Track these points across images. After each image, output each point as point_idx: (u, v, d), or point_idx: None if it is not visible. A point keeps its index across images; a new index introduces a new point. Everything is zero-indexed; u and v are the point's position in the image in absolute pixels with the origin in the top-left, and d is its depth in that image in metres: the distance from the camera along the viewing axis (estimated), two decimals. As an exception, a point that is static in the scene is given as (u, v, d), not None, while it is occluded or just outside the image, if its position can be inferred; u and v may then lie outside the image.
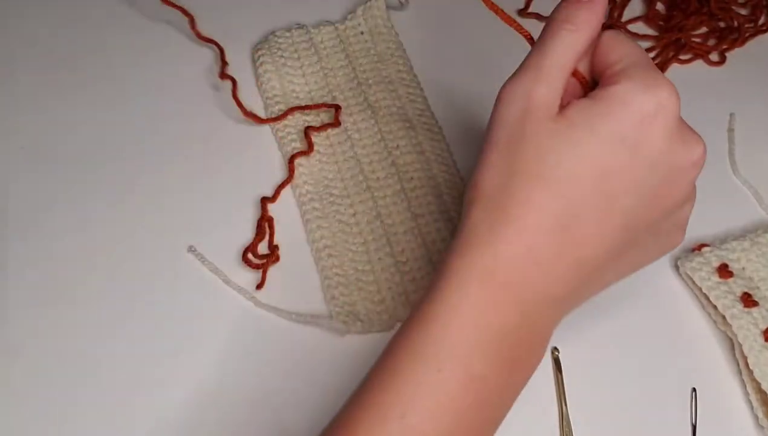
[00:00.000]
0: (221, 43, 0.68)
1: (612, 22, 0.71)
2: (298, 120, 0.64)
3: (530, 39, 0.42)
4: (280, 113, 0.63)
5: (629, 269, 0.43)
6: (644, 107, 0.36)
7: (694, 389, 0.53)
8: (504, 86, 0.39)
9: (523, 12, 0.73)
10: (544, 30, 0.39)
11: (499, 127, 0.39)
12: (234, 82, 0.65)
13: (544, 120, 0.37)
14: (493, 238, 0.37)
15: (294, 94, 0.65)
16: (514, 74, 0.39)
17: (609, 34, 0.40)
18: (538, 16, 0.72)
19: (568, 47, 0.38)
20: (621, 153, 0.37)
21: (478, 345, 0.37)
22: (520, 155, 0.37)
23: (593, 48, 0.40)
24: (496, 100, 0.39)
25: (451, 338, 0.36)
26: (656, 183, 0.38)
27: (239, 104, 0.63)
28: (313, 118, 0.64)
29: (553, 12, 0.39)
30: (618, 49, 0.39)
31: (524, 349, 0.39)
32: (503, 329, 0.37)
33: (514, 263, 0.37)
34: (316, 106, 0.64)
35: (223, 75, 0.66)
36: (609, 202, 0.37)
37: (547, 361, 0.54)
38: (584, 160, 0.36)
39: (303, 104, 0.64)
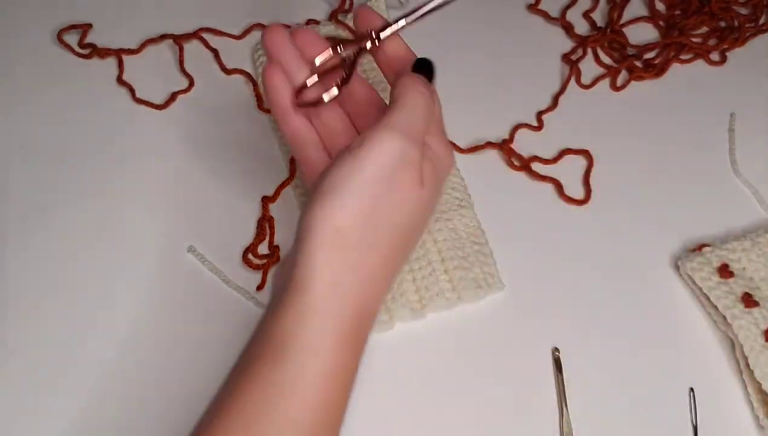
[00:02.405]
0: (223, 45, 0.68)
1: (612, 24, 0.71)
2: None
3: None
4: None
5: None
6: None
7: (691, 389, 0.53)
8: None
9: (533, 7, 0.73)
10: (401, 95, 0.48)
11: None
12: (250, 78, 0.66)
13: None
14: (327, 269, 0.41)
15: (294, 94, 0.65)
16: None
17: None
18: (545, 14, 0.72)
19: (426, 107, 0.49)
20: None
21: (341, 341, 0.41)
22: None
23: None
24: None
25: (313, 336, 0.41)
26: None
27: (259, 97, 0.65)
28: (313, 118, 0.64)
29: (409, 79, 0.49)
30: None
31: (366, 331, 0.43)
32: (353, 327, 0.42)
33: (350, 279, 0.42)
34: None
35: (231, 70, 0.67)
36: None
37: (547, 361, 0.54)
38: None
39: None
